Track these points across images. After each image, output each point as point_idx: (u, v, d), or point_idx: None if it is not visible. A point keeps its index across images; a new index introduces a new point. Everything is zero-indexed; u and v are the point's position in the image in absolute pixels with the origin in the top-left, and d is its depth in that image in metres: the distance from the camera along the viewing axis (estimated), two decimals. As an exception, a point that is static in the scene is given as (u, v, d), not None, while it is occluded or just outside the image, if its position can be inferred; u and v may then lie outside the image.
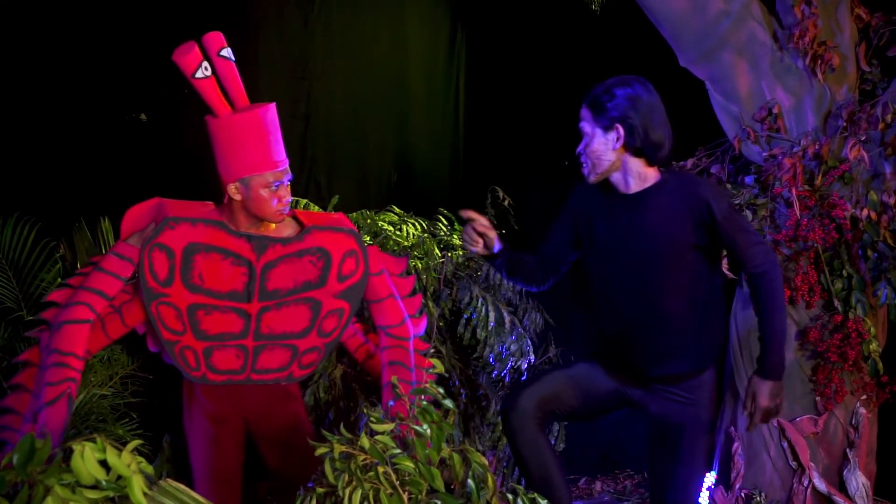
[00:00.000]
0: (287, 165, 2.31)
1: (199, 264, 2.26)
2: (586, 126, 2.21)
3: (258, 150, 2.24)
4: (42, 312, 2.23)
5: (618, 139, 2.15)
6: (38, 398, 2.10)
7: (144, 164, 3.20)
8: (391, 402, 1.96)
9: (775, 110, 3.13)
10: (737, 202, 3.10)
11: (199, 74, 2.16)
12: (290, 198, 2.31)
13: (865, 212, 2.95)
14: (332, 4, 3.79)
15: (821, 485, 3.08)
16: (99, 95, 3.12)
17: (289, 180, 2.31)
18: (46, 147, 3.04)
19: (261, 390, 2.41)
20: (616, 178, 2.22)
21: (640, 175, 2.20)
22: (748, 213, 3.10)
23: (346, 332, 2.56)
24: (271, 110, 2.29)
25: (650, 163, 2.20)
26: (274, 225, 2.37)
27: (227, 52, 2.20)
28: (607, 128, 2.16)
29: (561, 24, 4.35)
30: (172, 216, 2.24)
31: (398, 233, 3.26)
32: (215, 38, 2.18)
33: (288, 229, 2.40)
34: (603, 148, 2.17)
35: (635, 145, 2.15)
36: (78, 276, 2.28)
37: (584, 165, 2.24)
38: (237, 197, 2.27)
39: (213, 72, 2.18)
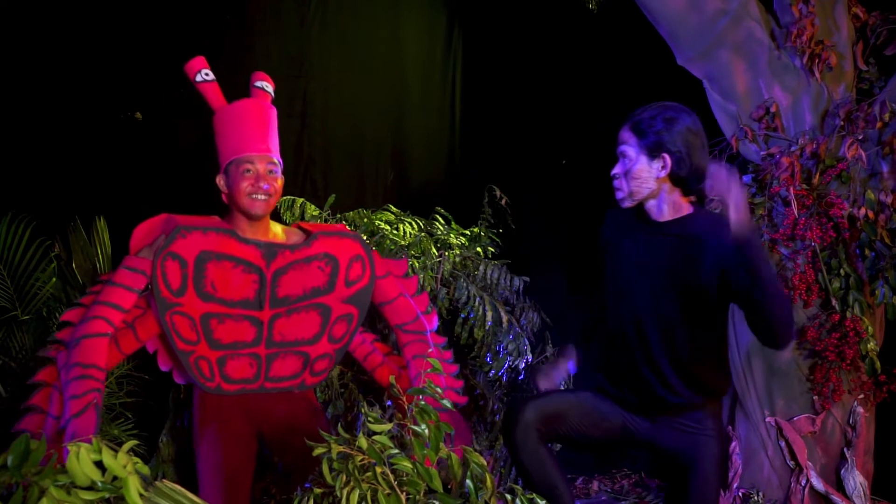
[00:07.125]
0: (269, 154, 2.31)
1: (212, 273, 2.27)
2: (629, 150, 2.14)
3: (234, 137, 2.29)
4: (57, 333, 2.21)
5: (663, 168, 2.10)
6: (63, 413, 2.06)
7: (140, 164, 3.19)
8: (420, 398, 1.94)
9: (773, 109, 3.13)
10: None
11: (198, 79, 2.31)
12: (267, 186, 2.29)
13: (863, 211, 2.95)
14: (328, 3, 3.78)
15: (818, 484, 3.08)
16: (94, 94, 3.11)
17: (272, 170, 2.31)
18: (41, 146, 3.02)
19: (274, 399, 2.42)
20: (651, 205, 2.18)
21: (675, 205, 2.16)
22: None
23: (355, 340, 2.58)
24: (252, 102, 2.34)
25: (686, 193, 2.16)
26: (282, 233, 2.40)
27: (201, 76, 2.34)
28: (653, 155, 2.11)
29: (558, 23, 4.34)
30: (184, 225, 2.26)
31: (395, 232, 3.25)
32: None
33: (295, 237, 2.44)
34: (646, 175, 2.12)
35: (679, 175, 2.11)
36: (89, 294, 2.28)
37: (620, 190, 2.18)
38: (224, 190, 2.32)
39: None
